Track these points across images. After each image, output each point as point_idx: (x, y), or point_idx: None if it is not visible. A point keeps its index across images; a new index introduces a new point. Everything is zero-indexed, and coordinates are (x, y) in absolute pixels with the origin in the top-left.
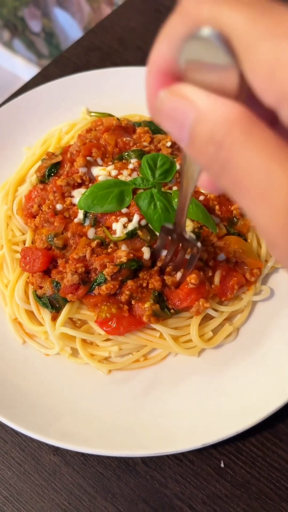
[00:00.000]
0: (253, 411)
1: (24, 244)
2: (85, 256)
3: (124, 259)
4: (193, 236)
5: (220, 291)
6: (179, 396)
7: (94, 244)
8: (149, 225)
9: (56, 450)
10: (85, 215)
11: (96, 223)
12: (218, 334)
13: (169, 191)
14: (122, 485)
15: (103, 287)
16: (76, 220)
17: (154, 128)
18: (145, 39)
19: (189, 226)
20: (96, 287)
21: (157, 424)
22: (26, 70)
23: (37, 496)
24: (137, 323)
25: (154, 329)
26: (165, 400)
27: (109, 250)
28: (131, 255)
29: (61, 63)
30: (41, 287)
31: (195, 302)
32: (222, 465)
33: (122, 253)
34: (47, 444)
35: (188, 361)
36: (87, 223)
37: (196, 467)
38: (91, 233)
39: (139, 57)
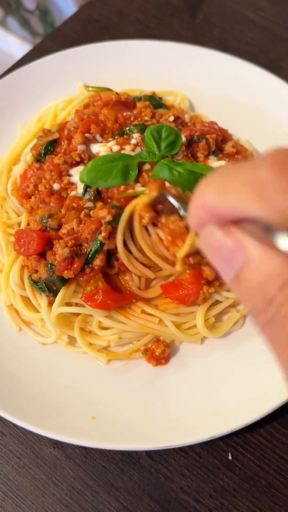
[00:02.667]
0: (263, 401)
1: (20, 227)
2: (73, 228)
3: (109, 217)
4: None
5: None
6: (185, 386)
7: (82, 214)
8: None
9: (56, 443)
10: (86, 190)
11: (96, 198)
12: (225, 322)
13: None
14: (125, 478)
15: (97, 260)
16: (72, 193)
17: (155, 103)
18: (144, 11)
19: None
20: (91, 262)
21: (162, 416)
22: (20, 48)
23: (37, 491)
24: (125, 297)
25: (152, 315)
26: (170, 391)
27: (93, 219)
28: (113, 211)
29: (57, 37)
30: (36, 271)
31: (199, 292)
32: (229, 457)
33: (104, 212)
34: (47, 437)
35: (192, 350)
36: (86, 197)
37: (202, 460)
38: (89, 204)
39: (138, 30)
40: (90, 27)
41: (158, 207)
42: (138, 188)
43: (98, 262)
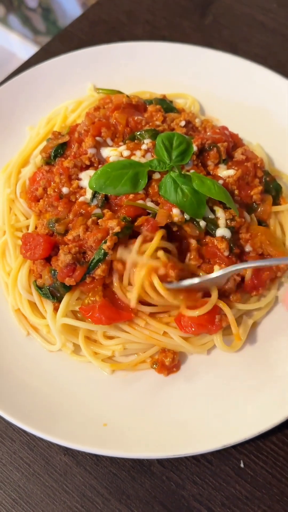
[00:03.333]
0: (275, 409)
1: (28, 230)
2: (79, 235)
3: (117, 228)
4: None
5: (251, 285)
6: (196, 395)
7: (90, 221)
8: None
9: (67, 450)
10: (94, 196)
11: (104, 205)
12: (240, 333)
13: (187, 173)
14: (137, 486)
15: (98, 270)
16: (81, 199)
17: (166, 107)
18: (153, 12)
19: (221, 219)
20: (92, 271)
21: (174, 425)
22: (22, 47)
23: (47, 498)
24: (122, 316)
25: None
26: (181, 399)
27: (100, 227)
28: (123, 223)
29: (65, 38)
30: (41, 276)
31: (207, 326)
32: (241, 465)
33: (113, 223)
34: (57, 444)
35: (200, 359)
36: (94, 203)
37: (214, 468)
38: (97, 210)
39: (147, 31)
40: (98, 28)
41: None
42: (149, 203)
43: (99, 272)
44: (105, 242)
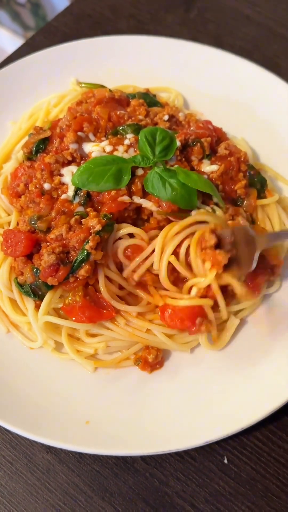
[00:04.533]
0: (259, 405)
1: (9, 226)
2: (62, 234)
3: (98, 227)
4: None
5: (247, 289)
6: (178, 392)
7: (73, 220)
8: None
9: (49, 447)
10: (76, 193)
11: (86, 202)
12: (225, 331)
13: (171, 168)
14: (120, 483)
15: (82, 270)
16: (63, 197)
17: (149, 101)
18: (138, 7)
19: (219, 212)
20: (76, 272)
21: (157, 421)
22: (11, 42)
23: (30, 496)
24: (103, 315)
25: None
26: (164, 396)
27: (83, 227)
28: (103, 221)
29: (49, 32)
30: (22, 273)
31: (194, 325)
32: (225, 461)
33: (94, 221)
34: (40, 442)
35: (184, 356)
36: (76, 200)
37: (198, 464)
38: (79, 208)
39: (132, 26)
40: (83, 22)
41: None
42: (137, 199)
43: (83, 272)
44: (88, 242)
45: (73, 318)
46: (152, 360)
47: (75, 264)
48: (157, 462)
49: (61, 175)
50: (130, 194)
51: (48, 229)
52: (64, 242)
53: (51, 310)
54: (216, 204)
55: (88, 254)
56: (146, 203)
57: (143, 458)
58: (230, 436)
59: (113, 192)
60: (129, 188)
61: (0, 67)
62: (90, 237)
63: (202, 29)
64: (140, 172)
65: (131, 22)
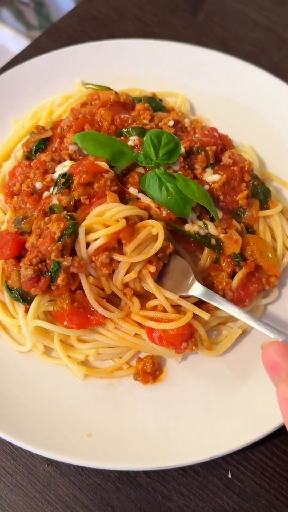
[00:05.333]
0: (265, 419)
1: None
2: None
3: (58, 233)
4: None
5: (238, 297)
6: (181, 403)
7: (42, 223)
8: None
9: (50, 459)
10: (56, 183)
11: (67, 186)
12: (226, 339)
13: (173, 173)
14: (122, 497)
15: (59, 280)
16: (45, 194)
17: (155, 105)
18: (144, 8)
19: (211, 227)
20: (54, 280)
21: (160, 435)
22: (15, 41)
23: (30, 509)
24: (90, 321)
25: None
26: (166, 408)
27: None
28: (62, 225)
29: (54, 34)
30: (11, 275)
31: (182, 343)
32: (229, 475)
33: (53, 227)
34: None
35: (184, 363)
36: (54, 191)
37: (201, 478)
38: (54, 200)
39: (138, 28)
40: (88, 24)
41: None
42: (133, 191)
43: (59, 281)
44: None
45: (64, 323)
46: (151, 369)
47: (51, 274)
48: (160, 476)
49: (53, 172)
50: (123, 184)
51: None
52: (39, 249)
53: (41, 313)
54: (212, 218)
55: (58, 263)
56: (145, 199)
57: (146, 472)
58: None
59: (91, 158)
60: (121, 179)
61: (6, 68)
62: (52, 246)
63: (209, 33)
64: (140, 170)
65: (136, 25)
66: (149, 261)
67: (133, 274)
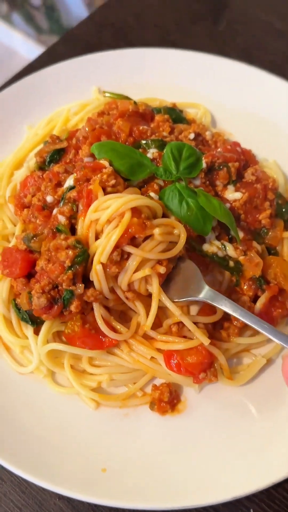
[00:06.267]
0: None
1: (13, 238)
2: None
3: (68, 262)
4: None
5: None
6: (201, 439)
7: (51, 245)
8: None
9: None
10: (63, 197)
11: (68, 202)
12: (249, 368)
13: (193, 188)
14: None
15: (72, 306)
16: (55, 211)
17: (175, 117)
18: (163, 16)
19: (230, 249)
20: (67, 306)
21: (179, 472)
22: (25, 45)
23: None
24: (102, 343)
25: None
26: (186, 445)
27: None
28: (71, 253)
29: (70, 41)
30: (20, 294)
31: (201, 373)
32: None
33: (62, 256)
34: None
35: (207, 396)
36: (60, 206)
37: None
38: (61, 218)
39: (157, 36)
40: (105, 31)
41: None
42: (154, 196)
43: (73, 308)
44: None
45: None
46: (168, 397)
47: (64, 301)
48: None
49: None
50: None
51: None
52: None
53: (50, 337)
54: (231, 239)
55: (71, 291)
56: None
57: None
58: None
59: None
60: (140, 187)
61: (22, 75)
62: (62, 276)
63: (231, 42)
64: (160, 183)
65: (155, 32)
66: (159, 261)
67: (147, 271)
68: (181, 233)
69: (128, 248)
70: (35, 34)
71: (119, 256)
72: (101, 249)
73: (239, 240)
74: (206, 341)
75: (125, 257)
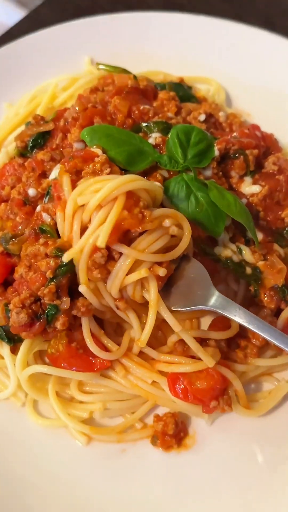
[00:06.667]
0: None
1: None
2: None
3: (49, 273)
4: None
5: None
6: (213, 483)
7: (33, 250)
8: None
9: None
10: (48, 192)
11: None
12: (270, 396)
13: (203, 180)
14: None
15: (58, 323)
16: (38, 209)
17: (182, 94)
18: None
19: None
20: (52, 323)
21: None
22: (2, 8)
23: None
24: (92, 365)
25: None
26: (194, 487)
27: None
28: (52, 263)
29: (57, 3)
30: None
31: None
32: None
33: (43, 266)
34: None
35: (220, 428)
36: (47, 200)
37: None
38: (45, 217)
39: (160, 0)
40: None
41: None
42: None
43: (59, 326)
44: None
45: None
46: (173, 431)
47: (48, 317)
48: None
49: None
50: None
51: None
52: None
53: (30, 358)
54: (248, 241)
55: (56, 307)
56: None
57: None
58: None
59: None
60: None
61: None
62: (43, 289)
63: (249, 6)
64: (164, 173)
65: None
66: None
67: (143, 272)
68: (184, 228)
69: (119, 248)
70: None
71: (104, 259)
72: (87, 253)
73: (258, 243)
74: (210, 363)
75: (115, 257)
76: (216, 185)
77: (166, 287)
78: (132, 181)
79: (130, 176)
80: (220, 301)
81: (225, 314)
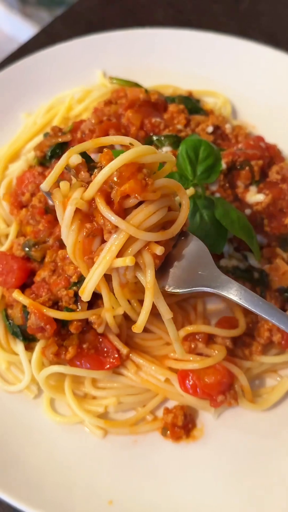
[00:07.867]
0: None
1: (6, 239)
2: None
3: (74, 278)
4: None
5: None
6: (220, 472)
7: (59, 256)
8: None
9: None
10: None
11: None
12: (274, 391)
13: (211, 196)
14: None
15: (72, 328)
16: None
17: (191, 107)
18: None
19: (252, 257)
20: (67, 325)
21: (191, 505)
22: (7, 18)
23: None
24: (103, 363)
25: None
26: (202, 476)
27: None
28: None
29: (70, 19)
30: (13, 305)
31: (219, 395)
32: None
33: (70, 270)
34: None
35: (227, 420)
36: None
37: None
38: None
39: (170, 15)
40: (111, 8)
41: None
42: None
43: (73, 329)
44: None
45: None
46: (183, 422)
47: (63, 320)
48: None
49: None
50: None
51: (44, 259)
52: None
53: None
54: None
55: (72, 310)
56: None
57: None
58: None
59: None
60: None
61: (15, 58)
62: (66, 292)
63: (254, 23)
64: None
65: (168, 11)
66: None
67: (128, 261)
68: (183, 201)
69: (110, 215)
70: (19, 5)
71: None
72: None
73: (259, 257)
74: (180, 353)
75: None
76: (222, 202)
77: (162, 266)
78: (145, 151)
79: (145, 147)
80: (225, 282)
81: (230, 297)
